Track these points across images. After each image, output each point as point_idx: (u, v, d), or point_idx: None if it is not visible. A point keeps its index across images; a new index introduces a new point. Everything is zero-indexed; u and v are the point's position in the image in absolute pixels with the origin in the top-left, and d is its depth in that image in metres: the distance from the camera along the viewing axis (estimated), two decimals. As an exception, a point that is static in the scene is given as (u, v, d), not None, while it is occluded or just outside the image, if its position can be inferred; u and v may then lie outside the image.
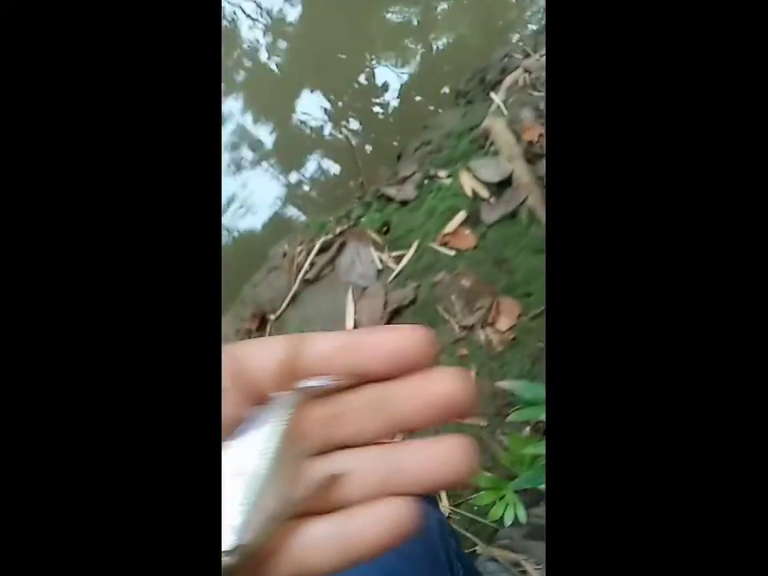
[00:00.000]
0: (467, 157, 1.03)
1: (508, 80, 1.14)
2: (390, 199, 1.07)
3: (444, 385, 0.17)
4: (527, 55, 1.22)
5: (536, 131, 1.02)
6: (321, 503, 0.17)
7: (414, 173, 1.12)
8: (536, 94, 1.08)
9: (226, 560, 0.15)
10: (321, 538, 0.16)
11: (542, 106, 1.05)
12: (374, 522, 0.16)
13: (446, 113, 1.29)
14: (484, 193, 0.96)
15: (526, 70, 1.14)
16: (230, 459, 0.16)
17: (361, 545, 0.16)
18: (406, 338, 0.17)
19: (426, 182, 1.08)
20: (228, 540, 0.15)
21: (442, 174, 1.06)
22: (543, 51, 1.18)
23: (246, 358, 0.17)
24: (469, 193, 0.96)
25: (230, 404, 0.17)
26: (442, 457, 0.17)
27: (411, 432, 0.18)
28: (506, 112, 1.05)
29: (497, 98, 1.09)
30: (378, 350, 0.17)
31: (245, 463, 0.16)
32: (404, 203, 1.06)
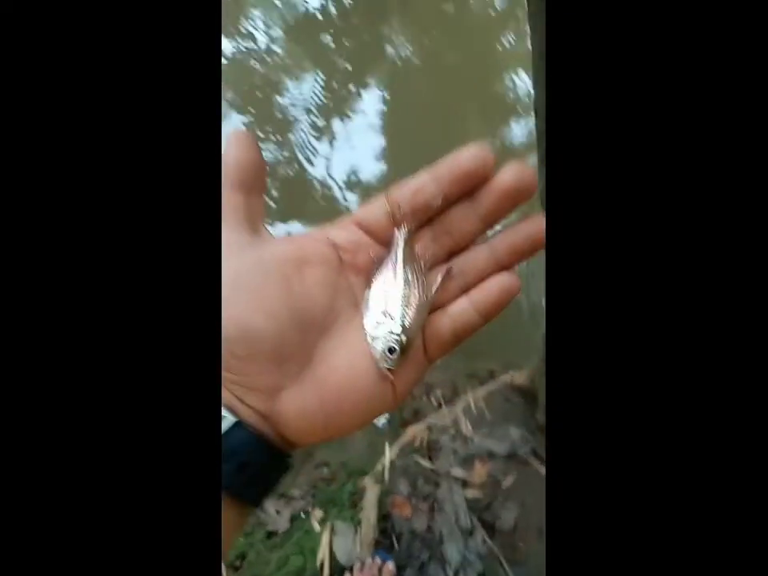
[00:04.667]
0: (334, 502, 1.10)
1: (406, 436, 1.24)
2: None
3: (510, 173, 0.22)
4: (439, 405, 1.33)
5: (405, 508, 1.09)
6: (449, 294, 0.23)
7: (298, 497, 1.18)
8: (423, 463, 1.17)
9: (396, 345, 0.22)
10: (460, 311, 0.23)
11: (420, 482, 1.13)
12: (491, 290, 0.23)
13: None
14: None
15: (428, 428, 1.25)
16: (378, 286, 0.23)
17: (489, 305, 0.23)
18: (467, 156, 0.22)
19: (301, 514, 1.14)
20: (395, 332, 0.22)
21: (318, 515, 1.12)
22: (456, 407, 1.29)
23: (363, 218, 0.24)
24: (318, 561, 1.02)
25: (367, 254, 0.23)
26: (522, 230, 0.23)
27: (497, 222, 0.24)
28: (387, 478, 1.14)
29: (388, 455, 1.19)
30: (452, 172, 0.22)
31: (389, 286, 0.23)
32: (272, 534, 1.11)
